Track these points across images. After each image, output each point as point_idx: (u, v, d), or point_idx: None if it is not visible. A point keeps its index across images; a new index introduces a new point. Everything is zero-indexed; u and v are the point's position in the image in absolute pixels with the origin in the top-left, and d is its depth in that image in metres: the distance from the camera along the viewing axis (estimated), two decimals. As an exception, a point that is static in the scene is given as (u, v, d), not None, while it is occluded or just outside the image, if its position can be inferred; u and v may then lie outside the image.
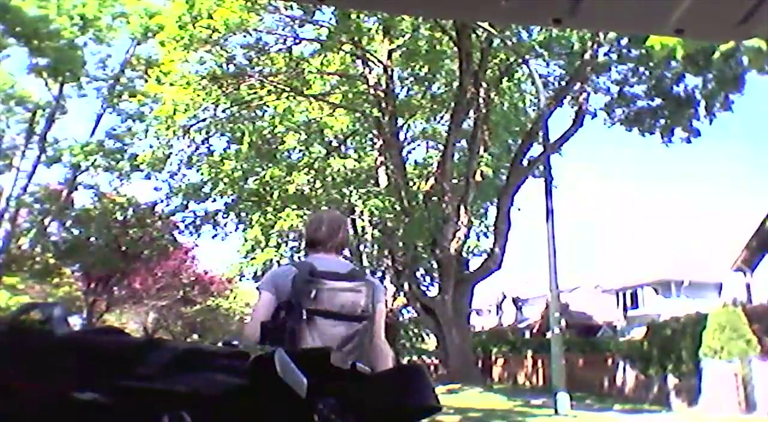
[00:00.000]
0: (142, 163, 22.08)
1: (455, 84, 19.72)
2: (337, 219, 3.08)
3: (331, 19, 18.86)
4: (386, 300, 3.30)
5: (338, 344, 2.66)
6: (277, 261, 27.22)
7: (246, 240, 25.85)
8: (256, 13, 17.38)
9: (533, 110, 22.43)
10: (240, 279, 30.99)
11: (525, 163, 20.34)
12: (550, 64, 20.58)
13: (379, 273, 27.58)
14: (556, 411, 12.02)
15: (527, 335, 31.01)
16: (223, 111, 20.52)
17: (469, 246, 24.02)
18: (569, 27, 1.22)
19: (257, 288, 2.94)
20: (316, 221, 3.05)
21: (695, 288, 28.06)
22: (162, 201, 23.13)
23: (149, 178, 22.84)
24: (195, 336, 39.62)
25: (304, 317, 2.65)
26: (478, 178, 20.71)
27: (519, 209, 21.13)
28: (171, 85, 19.05)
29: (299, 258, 3.12)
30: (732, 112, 15.59)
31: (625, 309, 31.24)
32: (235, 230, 24.26)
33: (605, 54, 18.43)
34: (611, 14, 1.12)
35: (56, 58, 20.96)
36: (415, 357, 29.44)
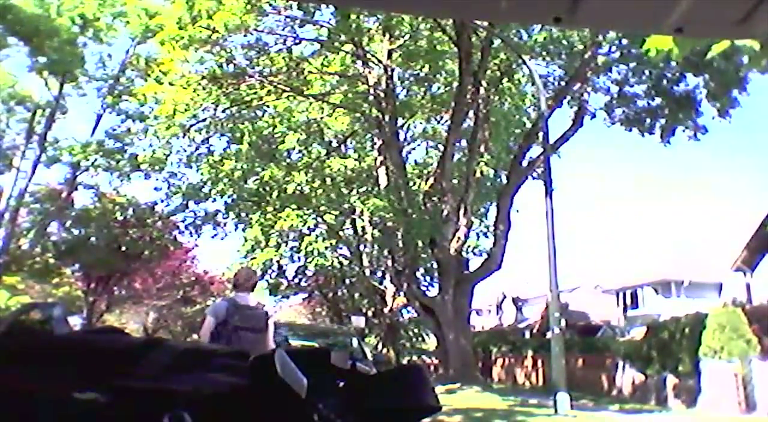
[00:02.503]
0: (142, 163, 22.07)
1: (455, 84, 19.71)
2: (249, 272, 5.76)
3: (331, 19, 18.87)
4: (271, 323, 5.61)
5: (251, 345, 4.43)
6: (277, 261, 27.25)
7: (246, 240, 25.84)
8: (257, 15, 17.36)
9: (533, 110, 22.42)
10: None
11: (525, 163, 20.33)
12: (550, 64, 20.58)
13: (379, 273, 27.62)
14: (555, 411, 12.02)
15: (527, 335, 31.01)
16: (223, 111, 20.51)
17: (469, 246, 24.01)
18: (569, 26, 1.23)
19: (205, 313, 5.37)
20: (237, 274, 5.56)
21: (695, 288, 28.06)
22: (162, 201, 23.15)
23: (149, 178, 22.85)
24: (195, 336, 39.57)
25: (233, 329, 4.91)
26: (478, 177, 20.70)
27: (517, 211, 21.07)
28: (171, 84, 19.04)
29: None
30: (730, 116, 15.59)
31: (625, 309, 31.25)
32: (235, 230, 24.27)
33: (605, 54, 18.42)
34: (611, 13, 1.12)
35: (56, 56, 20.96)
36: (415, 357, 29.43)
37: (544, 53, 19.52)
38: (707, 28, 1.18)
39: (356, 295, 30.61)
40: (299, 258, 26.62)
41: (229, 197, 22.57)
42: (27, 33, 19.86)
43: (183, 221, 23.73)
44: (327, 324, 27.90)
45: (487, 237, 24.40)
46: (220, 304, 5.23)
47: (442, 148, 21.27)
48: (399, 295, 25.04)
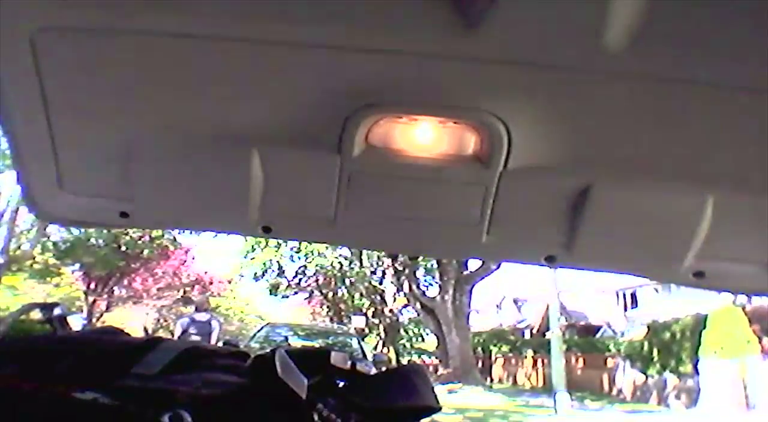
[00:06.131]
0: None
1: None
2: (203, 299, 10.22)
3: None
4: (215, 331, 8.11)
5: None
6: (277, 261, 27.24)
7: (246, 240, 25.81)
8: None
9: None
10: (240, 279, 31.04)
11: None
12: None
13: (379, 273, 27.62)
14: (555, 411, 12.03)
15: (527, 335, 31.01)
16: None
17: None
18: (565, 266, 0.98)
19: (177, 324, 8.83)
20: (197, 302, 9.12)
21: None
22: (162, 200, 23.12)
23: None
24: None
25: (188, 335, 7.82)
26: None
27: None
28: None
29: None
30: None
31: (625, 309, 31.24)
32: (236, 230, 24.24)
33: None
34: (612, 253, 0.99)
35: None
36: (415, 357, 29.43)
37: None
38: (729, 277, 0.99)
39: (356, 295, 30.60)
40: (299, 258, 26.62)
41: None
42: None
43: (183, 221, 23.74)
44: (327, 324, 27.91)
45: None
46: (184, 319, 8.42)
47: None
48: (399, 295, 25.05)
